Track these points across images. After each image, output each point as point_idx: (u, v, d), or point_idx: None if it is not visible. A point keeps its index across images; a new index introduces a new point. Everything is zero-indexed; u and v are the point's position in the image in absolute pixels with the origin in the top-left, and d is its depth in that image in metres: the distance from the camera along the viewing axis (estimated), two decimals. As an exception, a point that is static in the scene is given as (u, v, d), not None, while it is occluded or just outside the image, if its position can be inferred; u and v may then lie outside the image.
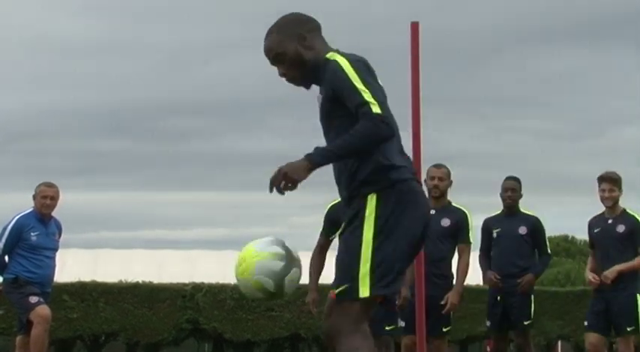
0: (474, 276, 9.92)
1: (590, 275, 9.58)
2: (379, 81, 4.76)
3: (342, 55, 4.78)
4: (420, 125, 5.96)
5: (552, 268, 39.11)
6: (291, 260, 4.84)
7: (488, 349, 19.64)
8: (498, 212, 10.18)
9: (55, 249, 10.41)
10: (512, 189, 10.03)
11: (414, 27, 6.05)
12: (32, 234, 10.14)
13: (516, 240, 9.93)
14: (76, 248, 30.00)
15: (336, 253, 4.74)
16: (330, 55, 4.79)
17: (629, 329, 9.48)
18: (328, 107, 4.76)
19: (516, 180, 10.08)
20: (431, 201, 9.38)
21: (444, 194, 9.39)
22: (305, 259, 7.68)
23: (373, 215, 4.65)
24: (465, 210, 9.39)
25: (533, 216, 10.08)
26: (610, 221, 9.60)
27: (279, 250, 4.84)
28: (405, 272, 4.82)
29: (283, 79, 4.90)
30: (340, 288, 4.66)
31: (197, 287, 21.69)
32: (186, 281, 22.71)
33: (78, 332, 21.30)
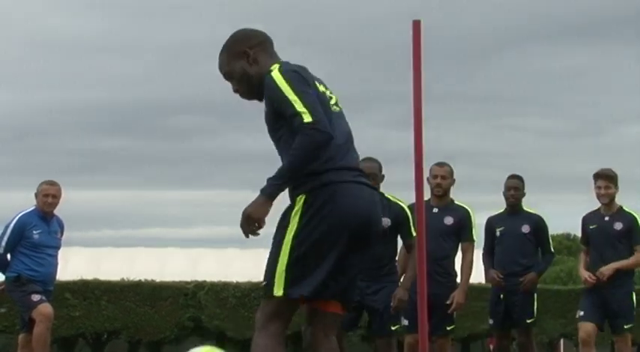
0: (476, 274, 9.91)
1: (585, 274, 9.53)
2: (320, 85, 4.91)
3: (280, 67, 4.89)
4: (421, 123, 5.95)
5: (554, 266, 39.05)
6: None
7: (491, 346, 19.65)
8: (501, 210, 10.17)
9: (58, 247, 10.42)
10: (515, 188, 10.01)
11: (416, 25, 6.04)
12: (34, 232, 10.15)
13: (519, 238, 9.92)
14: (79, 246, 30.02)
15: None
16: (271, 69, 4.92)
17: (626, 326, 9.48)
18: (271, 121, 4.91)
19: (519, 178, 10.06)
20: (434, 199, 9.38)
21: (446, 192, 9.39)
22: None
23: (298, 215, 4.73)
24: (467, 208, 9.39)
25: (536, 215, 10.06)
26: (607, 218, 9.57)
27: None
28: (337, 277, 4.76)
29: (237, 95, 5.09)
30: (262, 285, 4.80)
31: (199, 286, 21.70)
32: (189, 279, 22.72)
33: (80, 331, 21.31)
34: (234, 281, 21.99)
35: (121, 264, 28.47)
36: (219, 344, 22.93)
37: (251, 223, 4.72)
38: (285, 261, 4.72)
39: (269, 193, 4.70)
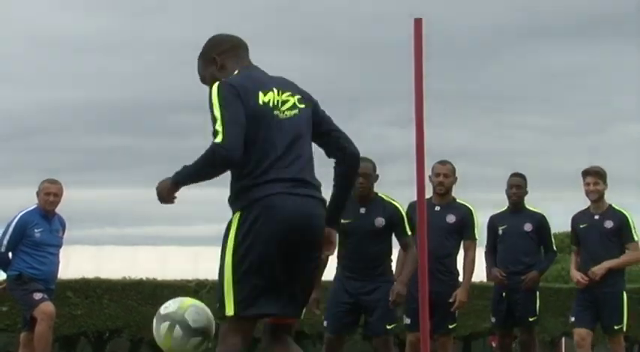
0: (478, 273, 9.90)
1: (578, 275, 9.49)
2: (268, 93, 5.01)
3: (223, 81, 5.02)
4: (423, 121, 5.94)
5: (556, 264, 38.99)
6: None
7: (493, 344, 19.64)
8: (504, 209, 10.16)
9: (59, 246, 10.42)
10: (517, 186, 10.00)
11: (418, 23, 6.03)
12: (36, 230, 10.14)
13: (522, 236, 9.91)
14: (80, 244, 30.03)
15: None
16: (219, 80, 5.07)
17: (616, 327, 9.44)
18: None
19: (522, 176, 10.05)
20: (436, 197, 9.37)
21: (449, 191, 9.38)
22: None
23: (233, 234, 4.87)
24: (469, 206, 9.39)
25: (538, 213, 10.05)
26: (597, 217, 9.53)
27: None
28: (282, 289, 4.88)
29: None
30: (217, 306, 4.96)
31: (201, 284, 21.67)
32: (190, 277, 22.69)
33: (82, 329, 21.30)
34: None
35: (122, 262, 28.46)
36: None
37: (161, 200, 5.02)
38: (230, 281, 4.85)
39: (174, 182, 4.95)
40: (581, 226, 9.62)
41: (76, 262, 25.45)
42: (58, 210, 10.42)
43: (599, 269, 9.33)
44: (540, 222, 9.97)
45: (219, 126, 4.83)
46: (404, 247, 8.36)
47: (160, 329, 5.46)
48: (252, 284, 4.83)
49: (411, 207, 9.18)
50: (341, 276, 8.39)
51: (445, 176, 9.32)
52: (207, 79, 5.24)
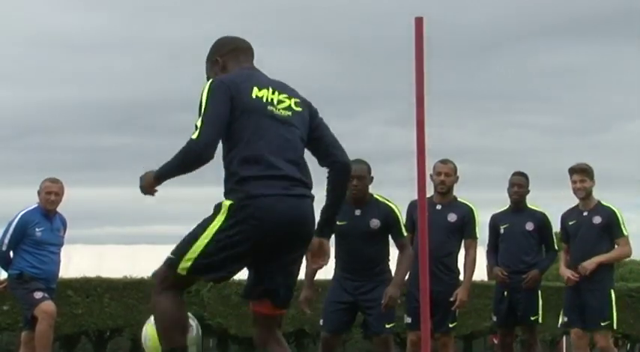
0: (479, 272, 9.90)
1: (568, 273, 9.47)
2: (262, 90, 5.14)
3: (217, 78, 5.19)
4: (424, 120, 5.94)
5: (557, 263, 39.06)
6: None
7: (495, 341, 19.63)
8: (505, 207, 10.16)
9: (60, 245, 10.42)
10: (518, 185, 10.00)
11: (418, 22, 6.03)
12: (37, 229, 10.14)
13: (523, 235, 9.90)
14: (81, 244, 30.05)
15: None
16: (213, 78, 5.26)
17: (602, 323, 9.40)
18: None
19: (523, 175, 10.04)
20: (437, 196, 9.37)
21: (450, 190, 9.38)
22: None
23: (224, 217, 4.99)
24: (471, 205, 9.38)
25: (540, 212, 10.03)
26: (585, 213, 9.53)
27: None
28: (262, 280, 5.17)
29: None
30: (170, 254, 5.15)
31: (202, 283, 21.69)
32: (191, 276, 22.70)
33: (83, 328, 21.31)
34: (237, 279, 21.95)
35: (123, 261, 28.47)
36: (221, 342, 22.95)
37: (142, 191, 5.27)
38: (199, 250, 5.02)
39: (156, 176, 5.16)
40: (570, 223, 9.62)
41: (76, 261, 25.47)
42: (59, 209, 10.42)
43: (589, 264, 9.33)
44: (542, 221, 9.96)
45: (199, 122, 4.99)
46: (400, 248, 8.35)
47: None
48: (216, 263, 5.03)
49: (412, 205, 9.19)
50: (339, 277, 8.40)
51: (446, 175, 9.32)
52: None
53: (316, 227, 5.28)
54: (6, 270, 10.33)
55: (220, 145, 5.10)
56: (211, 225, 5.01)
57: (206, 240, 5.01)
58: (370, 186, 8.38)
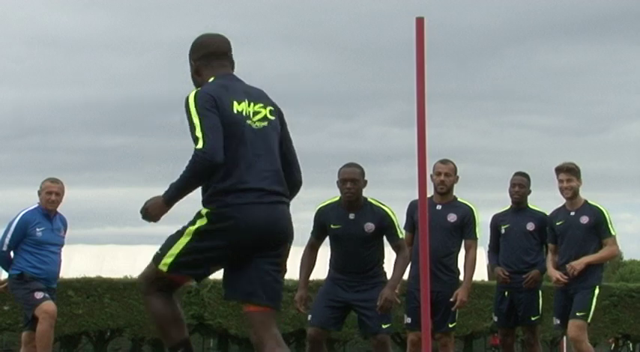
0: (479, 272, 9.90)
1: (557, 274, 9.37)
2: (242, 103, 5.26)
3: (198, 90, 5.29)
4: (425, 121, 5.95)
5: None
6: None
7: (497, 341, 19.64)
8: (506, 208, 10.15)
9: (61, 245, 10.41)
10: (519, 185, 9.98)
11: (419, 22, 6.03)
12: (38, 229, 10.14)
13: (524, 235, 9.88)
14: (82, 244, 30.05)
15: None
16: (193, 90, 5.33)
17: (578, 313, 9.29)
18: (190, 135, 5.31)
19: (525, 175, 10.02)
20: (437, 196, 9.37)
21: (450, 190, 9.36)
22: (297, 256, 7.77)
23: (204, 221, 5.19)
24: (471, 205, 9.37)
25: (541, 212, 10.01)
26: (573, 213, 9.46)
27: None
28: (238, 280, 5.30)
29: None
30: (157, 250, 5.34)
31: (202, 283, 21.69)
32: (192, 277, 22.70)
33: (83, 328, 21.33)
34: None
35: (124, 261, 28.48)
36: (221, 342, 22.95)
37: (147, 218, 5.30)
38: (180, 248, 5.23)
39: (166, 200, 5.23)
40: (558, 223, 9.56)
41: (77, 261, 25.49)
42: (59, 209, 10.42)
43: (578, 264, 9.27)
44: (543, 222, 9.93)
45: (199, 133, 5.09)
46: (396, 250, 8.36)
47: None
48: (194, 262, 5.26)
49: (413, 206, 9.19)
50: (333, 277, 8.40)
51: (446, 175, 9.31)
52: (192, 80, 5.55)
53: None
54: (6, 270, 10.32)
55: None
56: (192, 227, 5.23)
57: (187, 239, 5.22)
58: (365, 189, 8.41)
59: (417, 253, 7.83)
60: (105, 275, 22.28)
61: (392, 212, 8.36)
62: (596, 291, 9.36)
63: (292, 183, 5.48)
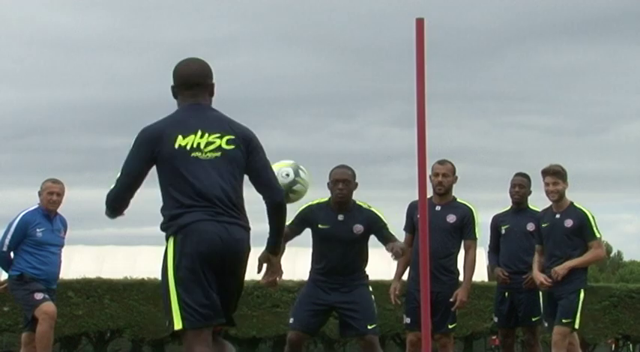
0: (478, 272, 9.88)
1: (541, 278, 9.33)
2: (188, 137, 5.52)
3: (155, 122, 5.67)
4: (425, 121, 5.94)
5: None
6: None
7: (497, 342, 19.65)
8: (507, 208, 10.14)
9: (61, 246, 10.41)
10: (520, 185, 9.98)
11: (419, 23, 6.03)
12: (38, 230, 10.13)
13: (524, 236, 9.87)
14: (82, 244, 30.03)
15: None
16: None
17: (564, 320, 9.27)
18: None
19: (525, 176, 10.01)
20: (436, 197, 9.36)
21: (448, 190, 9.34)
22: (297, 256, 7.79)
23: (170, 256, 5.41)
24: (470, 205, 9.36)
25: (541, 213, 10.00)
26: (558, 215, 9.40)
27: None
28: (214, 300, 5.41)
29: None
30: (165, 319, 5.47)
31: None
32: (192, 277, 22.69)
33: (83, 329, 21.32)
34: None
35: (124, 262, 28.46)
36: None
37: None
38: (175, 297, 5.37)
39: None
40: (544, 225, 9.53)
41: (77, 262, 25.47)
42: (60, 209, 10.42)
43: (561, 269, 9.22)
44: (543, 222, 9.92)
45: (117, 175, 5.63)
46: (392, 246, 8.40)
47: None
48: (193, 300, 5.35)
49: (412, 206, 9.19)
50: (316, 280, 8.38)
51: (444, 176, 9.28)
52: None
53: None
54: (6, 271, 10.32)
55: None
56: (168, 269, 5.40)
57: (174, 286, 5.37)
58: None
59: (416, 254, 7.82)
60: (105, 276, 22.27)
61: (381, 213, 8.39)
62: (582, 295, 9.29)
63: (269, 205, 5.64)
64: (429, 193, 8.94)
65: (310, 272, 8.50)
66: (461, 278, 9.29)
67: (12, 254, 10.16)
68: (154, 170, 5.60)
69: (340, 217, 8.29)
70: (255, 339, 21.91)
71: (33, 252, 10.10)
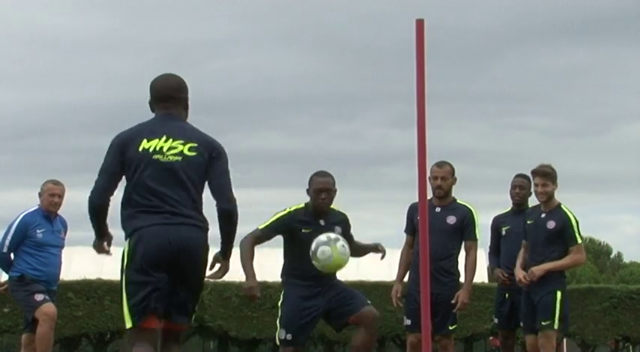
0: (479, 273, 9.85)
1: (520, 275, 9.27)
2: (153, 141, 5.94)
3: (125, 129, 6.07)
4: (424, 122, 5.93)
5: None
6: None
7: (498, 343, 19.65)
8: (507, 209, 10.13)
9: (61, 247, 10.41)
10: (520, 187, 9.97)
11: (419, 24, 6.03)
12: (38, 231, 10.14)
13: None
14: (82, 246, 30.00)
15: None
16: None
17: (543, 323, 9.22)
18: None
19: (525, 177, 9.98)
20: (436, 199, 9.34)
21: (448, 193, 9.31)
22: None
23: (126, 258, 5.88)
24: (470, 206, 9.33)
25: (541, 214, 9.98)
26: (543, 215, 9.31)
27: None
28: (170, 300, 5.89)
29: None
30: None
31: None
32: (192, 278, 22.68)
33: (83, 330, 21.32)
34: (237, 281, 21.95)
35: (123, 263, 28.41)
36: (221, 344, 22.94)
37: (98, 252, 6.33)
38: (125, 298, 5.83)
39: (96, 236, 6.20)
40: (529, 222, 9.47)
41: (77, 263, 25.47)
42: (60, 211, 10.42)
43: (537, 270, 9.16)
44: (543, 223, 9.90)
45: (97, 176, 5.95)
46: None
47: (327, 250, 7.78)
48: (140, 300, 5.76)
49: (412, 208, 9.18)
50: (295, 284, 8.35)
51: (443, 179, 9.24)
52: None
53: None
54: (7, 272, 10.33)
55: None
56: (122, 271, 5.89)
57: (124, 284, 5.84)
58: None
59: (417, 256, 7.81)
60: (105, 277, 22.25)
61: (348, 216, 8.56)
62: (559, 295, 9.19)
63: (218, 212, 6.02)
64: (429, 195, 8.92)
65: (286, 277, 8.48)
66: (461, 279, 9.28)
67: (12, 255, 10.16)
68: None
69: (322, 222, 8.33)
70: (255, 340, 21.90)
71: (33, 253, 10.10)
